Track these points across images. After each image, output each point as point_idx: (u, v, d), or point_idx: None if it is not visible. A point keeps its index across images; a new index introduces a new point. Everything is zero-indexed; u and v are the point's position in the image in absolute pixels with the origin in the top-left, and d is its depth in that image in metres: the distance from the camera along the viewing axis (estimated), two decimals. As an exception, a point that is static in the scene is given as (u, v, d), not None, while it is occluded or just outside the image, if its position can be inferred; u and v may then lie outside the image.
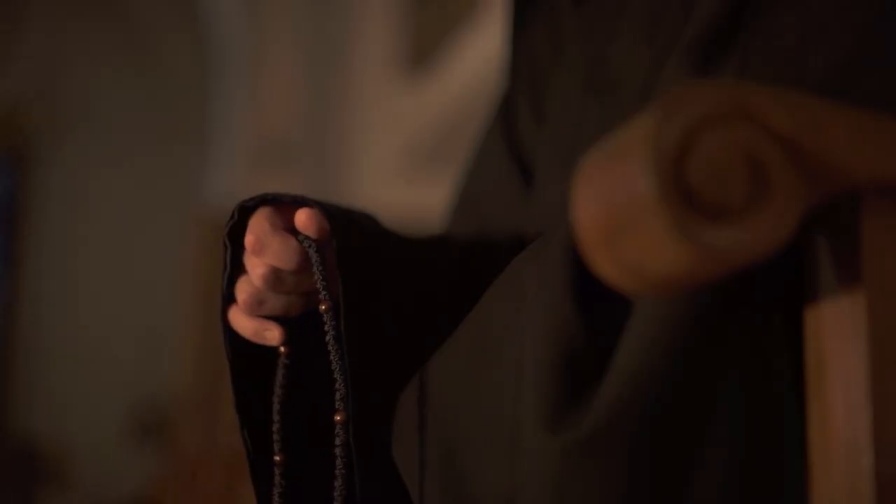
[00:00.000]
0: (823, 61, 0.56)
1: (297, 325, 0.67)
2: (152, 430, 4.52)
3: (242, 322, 0.67)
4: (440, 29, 3.12)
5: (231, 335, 0.68)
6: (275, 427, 0.66)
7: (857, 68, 0.55)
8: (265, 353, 0.68)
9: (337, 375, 0.63)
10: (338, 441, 0.63)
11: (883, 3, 0.56)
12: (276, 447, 0.66)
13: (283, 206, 0.67)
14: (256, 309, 0.66)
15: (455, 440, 0.58)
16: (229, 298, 0.67)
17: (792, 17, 0.57)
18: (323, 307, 0.64)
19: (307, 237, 0.64)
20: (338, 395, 0.63)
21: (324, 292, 0.64)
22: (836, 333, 0.47)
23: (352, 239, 0.66)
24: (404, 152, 3.41)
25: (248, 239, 0.65)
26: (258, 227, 0.65)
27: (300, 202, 0.66)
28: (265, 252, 0.64)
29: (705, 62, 0.59)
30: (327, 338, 0.63)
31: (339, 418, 0.63)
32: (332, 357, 0.63)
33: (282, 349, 0.67)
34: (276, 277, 0.65)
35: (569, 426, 0.50)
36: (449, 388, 0.60)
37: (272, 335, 0.66)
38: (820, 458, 0.48)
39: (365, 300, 0.65)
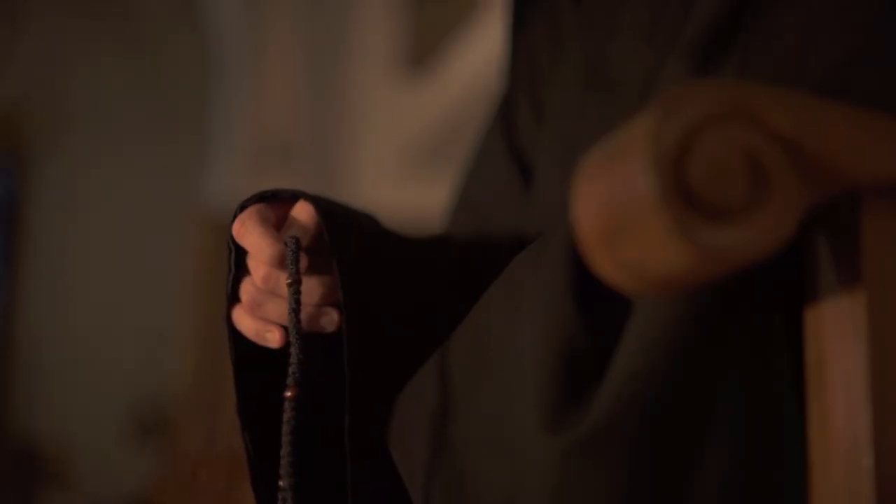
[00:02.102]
0: (823, 61, 0.56)
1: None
2: (152, 430, 4.52)
3: (245, 323, 0.67)
4: (440, 29, 3.12)
5: (235, 337, 0.68)
6: (283, 452, 0.63)
7: (857, 68, 0.55)
8: (268, 356, 0.68)
9: (293, 350, 0.63)
10: (285, 417, 0.62)
11: (883, 3, 0.56)
12: (283, 471, 0.63)
13: (282, 203, 0.67)
14: (255, 310, 0.66)
15: (455, 440, 0.58)
16: (233, 299, 0.68)
17: (792, 17, 0.57)
18: (288, 281, 0.64)
19: (292, 236, 0.65)
20: (290, 370, 0.63)
21: (291, 267, 0.64)
22: (836, 333, 0.47)
23: (350, 239, 0.66)
24: (404, 152, 3.41)
25: (235, 226, 0.66)
26: (246, 213, 0.66)
27: (297, 198, 0.67)
28: (245, 237, 0.65)
29: (705, 62, 0.59)
30: (288, 309, 0.64)
31: (289, 394, 0.63)
32: (291, 338, 0.64)
33: (288, 394, 0.64)
34: (275, 280, 0.65)
35: (569, 426, 0.50)
36: (448, 388, 0.60)
37: (273, 337, 0.66)
38: (820, 458, 0.48)
39: (364, 300, 0.65)
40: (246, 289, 0.67)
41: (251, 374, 0.69)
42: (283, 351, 0.66)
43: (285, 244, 0.64)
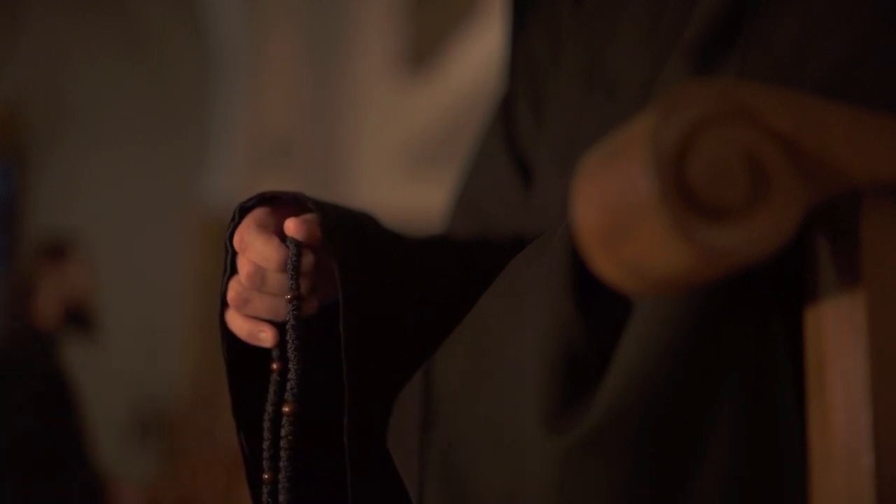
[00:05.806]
0: (823, 61, 0.56)
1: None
2: (152, 430, 4.53)
3: (238, 323, 0.67)
4: (440, 29, 3.12)
5: (229, 338, 0.68)
6: (265, 444, 0.65)
7: (857, 68, 0.55)
8: (261, 357, 0.68)
9: (291, 366, 0.64)
10: (283, 432, 0.63)
11: (883, 4, 0.56)
12: (266, 465, 0.65)
13: (282, 204, 0.67)
14: (242, 307, 0.66)
15: (455, 440, 0.58)
16: (227, 300, 0.68)
17: (792, 17, 0.57)
18: (288, 296, 0.64)
19: (293, 238, 0.65)
20: (288, 386, 0.64)
21: (291, 282, 0.64)
22: (836, 333, 0.47)
23: (350, 239, 0.66)
24: (404, 152, 3.41)
25: (235, 238, 0.66)
26: (244, 226, 0.66)
27: (298, 200, 0.67)
28: (248, 250, 0.65)
29: (705, 62, 0.59)
30: (287, 325, 0.64)
31: (287, 409, 0.63)
32: (288, 346, 0.64)
33: (273, 366, 0.66)
34: (260, 277, 0.65)
35: (569, 426, 0.50)
36: (448, 388, 0.60)
37: (265, 336, 0.66)
38: (820, 458, 0.48)
39: (363, 300, 0.65)
40: (232, 286, 0.67)
41: (246, 374, 0.68)
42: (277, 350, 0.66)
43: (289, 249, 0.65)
